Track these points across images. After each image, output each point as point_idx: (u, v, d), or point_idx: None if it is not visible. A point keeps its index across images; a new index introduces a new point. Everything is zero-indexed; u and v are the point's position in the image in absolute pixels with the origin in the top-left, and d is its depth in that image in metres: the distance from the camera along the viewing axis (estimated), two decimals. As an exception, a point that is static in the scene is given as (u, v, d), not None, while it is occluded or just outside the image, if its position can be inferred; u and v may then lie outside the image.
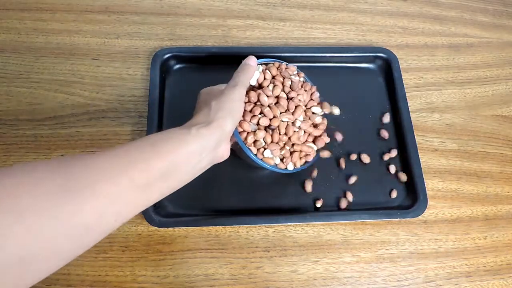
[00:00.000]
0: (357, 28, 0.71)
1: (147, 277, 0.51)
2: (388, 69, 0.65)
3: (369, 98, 0.64)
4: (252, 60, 0.48)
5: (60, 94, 0.60)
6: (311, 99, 0.54)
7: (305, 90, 0.53)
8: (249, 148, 0.48)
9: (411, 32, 0.72)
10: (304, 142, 0.52)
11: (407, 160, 0.58)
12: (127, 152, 0.35)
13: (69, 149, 0.57)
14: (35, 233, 0.27)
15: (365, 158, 0.59)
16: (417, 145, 0.60)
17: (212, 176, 0.56)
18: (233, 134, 0.45)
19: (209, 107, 0.42)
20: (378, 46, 0.69)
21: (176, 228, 0.53)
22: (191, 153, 0.38)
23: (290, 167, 0.52)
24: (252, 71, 0.48)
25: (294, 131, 0.50)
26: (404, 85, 0.63)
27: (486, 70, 0.70)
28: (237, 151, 0.50)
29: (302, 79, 0.54)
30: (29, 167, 0.30)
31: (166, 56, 0.62)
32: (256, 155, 0.49)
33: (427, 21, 0.73)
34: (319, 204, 0.55)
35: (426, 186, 0.57)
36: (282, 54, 0.64)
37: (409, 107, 0.62)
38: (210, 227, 0.54)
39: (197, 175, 0.41)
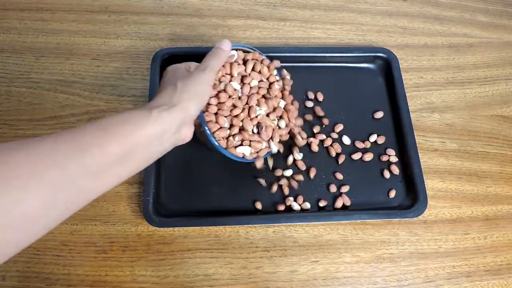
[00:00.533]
0: (357, 28, 0.71)
1: (147, 277, 0.51)
2: (388, 69, 0.65)
3: (369, 98, 0.64)
4: (225, 45, 0.47)
5: (60, 94, 0.60)
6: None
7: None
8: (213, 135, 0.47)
9: (411, 32, 0.72)
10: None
11: (407, 160, 0.58)
12: (79, 136, 0.33)
13: (69, 149, 0.57)
14: None
15: (366, 157, 0.59)
16: (417, 145, 0.59)
17: (212, 176, 0.56)
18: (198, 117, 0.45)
19: (174, 88, 0.41)
20: (378, 46, 0.69)
21: (176, 228, 0.53)
22: (151, 136, 0.37)
23: (274, 149, 0.53)
24: (225, 56, 0.47)
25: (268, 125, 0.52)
26: (404, 85, 0.63)
27: (486, 70, 0.70)
28: (197, 133, 0.48)
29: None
30: None
31: (166, 56, 0.62)
32: (218, 141, 0.48)
33: (427, 21, 0.73)
34: (322, 204, 0.56)
35: (426, 186, 0.57)
36: (282, 54, 0.64)
37: (409, 107, 0.62)
38: (210, 227, 0.54)
39: (158, 157, 0.40)
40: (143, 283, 0.50)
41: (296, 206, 0.55)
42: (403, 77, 0.64)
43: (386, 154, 0.60)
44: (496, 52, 0.72)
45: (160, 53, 0.61)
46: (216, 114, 0.49)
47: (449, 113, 0.65)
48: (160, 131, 0.38)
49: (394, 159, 0.59)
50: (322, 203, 0.56)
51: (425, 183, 0.57)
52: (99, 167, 0.33)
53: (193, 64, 0.46)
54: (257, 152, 0.52)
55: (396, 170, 0.59)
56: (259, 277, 0.52)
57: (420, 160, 0.58)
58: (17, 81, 0.61)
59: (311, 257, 0.53)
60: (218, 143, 0.48)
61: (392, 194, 0.57)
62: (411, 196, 0.57)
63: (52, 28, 0.66)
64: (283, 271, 0.52)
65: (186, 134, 0.43)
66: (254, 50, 0.53)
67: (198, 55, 0.62)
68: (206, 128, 0.47)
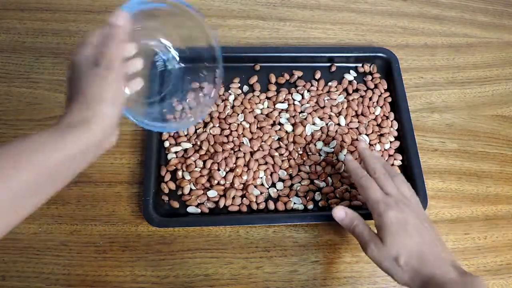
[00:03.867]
0: (357, 28, 0.71)
1: (147, 277, 0.51)
2: (388, 69, 0.65)
3: (369, 98, 0.64)
4: (119, 18, 0.38)
5: (60, 94, 0.60)
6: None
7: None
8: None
9: (411, 32, 0.72)
10: None
11: (407, 160, 0.58)
12: None
13: (69, 149, 0.57)
14: None
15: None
16: (417, 145, 0.59)
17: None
18: None
19: (84, 96, 0.36)
20: (378, 46, 0.69)
21: (176, 228, 0.53)
22: (68, 157, 0.34)
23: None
24: (123, 35, 0.38)
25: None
26: (404, 85, 0.63)
27: (486, 70, 0.70)
28: None
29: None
30: None
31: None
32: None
33: (427, 21, 0.73)
34: (321, 203, 0.56)
35: (426, 186, 0.56)
36: (282, 54, 0.64)
37: (409, 107, 0.62)
38: (210, 227, 0.54)
39: (83, 169, 0.37)
40: (143, 283, 0.50)
41: (296, 206, 0.55)
42: (403, 77, 0.64)
43: (388, 154, 0.60)
44: (496, 52, 0.72)
45: None
46: None
47: (449, 113, 0.65)
48: (80, 150, 0.35)
49: (394, 159, 0.59)
50: (322, 203, 0.56)
51: (425, 183, 0.57)
52: (8, 199, 0.31)
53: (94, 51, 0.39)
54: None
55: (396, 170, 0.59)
56: (259, 277, 0.52)
57: (420, 160, 0.58)
58: (17, 81, 0.61)
59: (311, 257, 0.53)
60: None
61: None
62: None
63: (52, 28, 0.66)
64: (283, 271, 0.52)
65: (111, 142, 0.41)
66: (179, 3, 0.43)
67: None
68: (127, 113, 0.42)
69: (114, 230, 0.53)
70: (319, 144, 0.58)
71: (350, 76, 0.65)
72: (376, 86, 0.64)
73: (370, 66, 0.66)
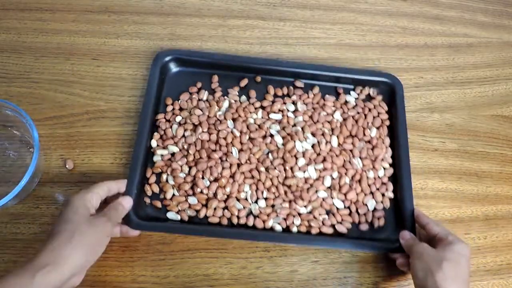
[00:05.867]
0: (357, 28, 0.71)
1: (147, 277, 0.51)
2: (391, 95, 0.62)
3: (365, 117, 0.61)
4: (126, 201, 0.49)
5: (60, 94, 0.60)
6: None
7: None
8: None
9: (411, 32, 0.72)
10: None
11: (401, 198, 0.55)
12: None
13: (69, 149, 0.57)
14: None
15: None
16: (417, 145, 0.59)
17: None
18: None
19: (68, 241, 0.40)
20: (383, 70, 0.65)
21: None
22: None
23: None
24: (124, 212, 0.48)
25: None
26: (404, 86, 0.63)
27: (486, 70, 0.70)
28: None
29: None
30: None
31: (167, 58, 0.61)
32: None
33: (427, 21, 0.73)
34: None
35: (426, 186, 0.56)
36: (285, 69, 0.62)
37: (409, 107, 0.62)
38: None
39: None
40: (143, 283, 0.50)
41: (276, 227, 0.53)
42: (403, 77, 0.64)
43: (381, 182, 0.57)
44: (496, 52, 0.72)
45: (161, 55, 0.60)
46: None
47: (449, 113, 0.65)
48: None
49: (386, 189, 0.57)
50: (301, 228, 0.54)
51: (416, 226, 0.53)
52: None
53: (96, 203, 0.46)
54: None
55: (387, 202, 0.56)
56: (259, 277, 0.52)
57: (420, 160, 0.58)
58: (17, 81, 0.61)
59: (311, 257, 0.53)
60: None
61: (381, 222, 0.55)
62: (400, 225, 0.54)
63: (52, 28, 0.66)
64: (283, 271, 0.52)
65: (75, 282, 0.43)
66: None
67: (197, 62, 0.62)
68: None
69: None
70: (310, 168, 0.56)
71: (351, 97, 0.62)
72: (374, 107, 0.62)
73: (370, 89, 0.63)
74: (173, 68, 0.62)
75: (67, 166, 0.55)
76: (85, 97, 0.61)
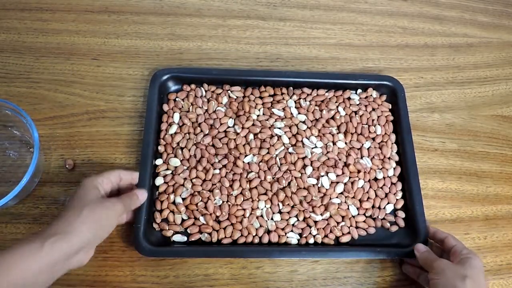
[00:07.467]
0: (357, 28, 0.71)
1: (147, 277, 0.51)
2: (393, 98, 0.62)
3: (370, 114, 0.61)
4: (141, 193, 0.49)
5: (60, 94, 0.60)
6: None
7: None
8: None
9: (411, 32, 0.72)
10: None
11: (409, 198, 0.56)
12: None
13: (69, 149, 0.57)
14: None
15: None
16: (417, 145, 0.59)
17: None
18: None
19: (78, 214, 0.41)
20: (383, 71, 0.66)
21: (176, 228, 0.53)
22: (42, 268, 0.38)
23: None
24: (138, 203, 0.49)
25: None
26: (404, 85, 0.63)
27: (486, 70, 0.70)
28: None
29: None
30: None
31: (165, 77, 0.59)
32: None
33: (427, 21, 0.73)
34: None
35: (426, 186, 0.56)
36: (285, 79, 0.61)
37: (409, 107, 0.62)
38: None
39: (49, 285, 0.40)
40: (143, 283, 0.50)
41: (292, 241, 0.53)
42: (403, 77, 0.64)
43: (390, 182, 0.58)
44: (496, 52, 0.72)
45: (159, 74, 0.59)
46: None
47: (449, 113, 0.65)
48: (51, 262, 0.38)
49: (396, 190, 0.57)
50: (317, 239, 0.54)
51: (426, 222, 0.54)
52: None
53: (107, 187, 0.47)
54: None
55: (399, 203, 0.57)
56: (259, 277, 0.52)
57: (420, 160, 0.58)
58: (17, 81, 0.61)
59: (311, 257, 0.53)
60: None
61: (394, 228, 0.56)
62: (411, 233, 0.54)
63: (52, 28, 0.66)
64: (283, 271, 0.52)
65: (82, 260, 0.43)
66: None
67: (194, 78, 0.60)
68: None
69: (114, 230, 0.53)
70: (322, 175, 0.56)
71: (355, 95, 0.62)
72: (378, 106, 0.62)
73: (374, 91, 0.63)
74: (172, 86, 0.61)
75: (67, 166, 0.55)
76: (85, 97, 0.61)
